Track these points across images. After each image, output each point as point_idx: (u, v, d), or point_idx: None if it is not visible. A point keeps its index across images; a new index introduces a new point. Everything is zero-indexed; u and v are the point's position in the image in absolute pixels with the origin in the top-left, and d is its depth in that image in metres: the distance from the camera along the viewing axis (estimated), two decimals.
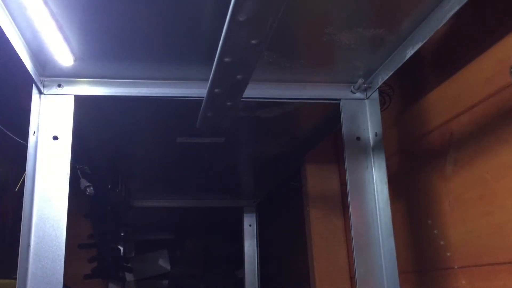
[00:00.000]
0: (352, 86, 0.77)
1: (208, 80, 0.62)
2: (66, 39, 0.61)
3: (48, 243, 0.62)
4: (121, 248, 1.71)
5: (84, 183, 1.12)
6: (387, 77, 0.71)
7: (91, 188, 1.14)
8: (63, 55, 0.65)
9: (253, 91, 0.75)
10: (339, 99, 0.78)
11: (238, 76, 0.58)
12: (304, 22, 0.61)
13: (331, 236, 1.15)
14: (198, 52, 0.66)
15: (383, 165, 0.73)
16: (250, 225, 1.66)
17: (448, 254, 0.73)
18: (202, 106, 0.68)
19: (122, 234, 1.66)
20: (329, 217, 1.16)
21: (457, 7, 0.55)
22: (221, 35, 0.51)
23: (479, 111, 0.67)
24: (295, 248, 1.38)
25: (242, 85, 0.61)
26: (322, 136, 1.02)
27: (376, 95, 0.76)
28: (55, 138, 0.66)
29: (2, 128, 0.76)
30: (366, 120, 0.77)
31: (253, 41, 0.50)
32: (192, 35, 0.62)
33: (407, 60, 0.66)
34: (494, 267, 0.64)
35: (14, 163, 0.64)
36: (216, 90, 0.62)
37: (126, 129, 0.92)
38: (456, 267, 0.72)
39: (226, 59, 0.54)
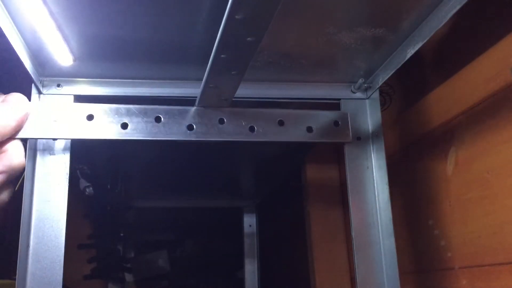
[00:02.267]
0: (352, 86, 0.77)
1: None
2: (65, 39, 0.61)
3: (48, 244, 0.62)
4: (121, 249, 1.71)
5: (83, 183, 1.12)
6: (388, 77, 0.71)
7: (91, 188, 1.14)
8: (62, 55, 0.65)
9: (253, 91, 0.75)
10: (339, 99, 0.77)
11: (233, 72, 0.59)
12: (304, 22, 0.61)
13: (331, 236, 1.15)
14: (197, 52, 0.66)
15: (384, 165, 0.72)
16: (250, 226, 1.66)
17: (449, 254, 0.73)
18: (197, 100, 0.68)
19: (122, 234, 1.66)
20: (329, 217, 1.16)
21: (457, 7, 0.55)
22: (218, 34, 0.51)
23: (480, 111, 0.67)
24: (295, 248, 1.38)
25: (236, 81, 0.62)
26: None
27: (376, 95, 0.76)
28: (55, 138, 0.66)
29: None
30: (367, 120, 0.76)
31: (249, 38, 0.51)
32: (192, 35, 0.62)
33: (407, 60, 0.66)
34: (495, 268, 0.64)
35: None
36: (211, 85, 0.62)
37: None
38: (456, 267, 0.72)
39: (222, 56, 0.54)
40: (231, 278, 1.97)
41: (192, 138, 0.69)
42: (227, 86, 0.64)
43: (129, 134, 0.67)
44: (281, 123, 0.71)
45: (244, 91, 0.74)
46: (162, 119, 0.68)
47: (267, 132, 0.71)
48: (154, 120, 0.68)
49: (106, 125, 0.66)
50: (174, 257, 2.07)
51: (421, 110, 0.81)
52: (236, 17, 0.47)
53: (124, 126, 0.67)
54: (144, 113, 0.68)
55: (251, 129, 0.70)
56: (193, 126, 0.69)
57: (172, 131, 0.68)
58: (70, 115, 0.65)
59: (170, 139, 0.68)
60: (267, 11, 0.46)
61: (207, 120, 0.70)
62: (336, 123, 0.74)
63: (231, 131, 0.70)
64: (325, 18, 0.60)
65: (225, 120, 0.70)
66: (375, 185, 0.74)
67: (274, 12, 0.47)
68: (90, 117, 0.66)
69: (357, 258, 0.71)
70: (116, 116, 0.67)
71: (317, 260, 1.14)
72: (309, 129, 0.73)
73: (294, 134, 0.72)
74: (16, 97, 0.60)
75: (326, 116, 0.74)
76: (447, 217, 0.74)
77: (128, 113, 0.67)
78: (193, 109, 0.69)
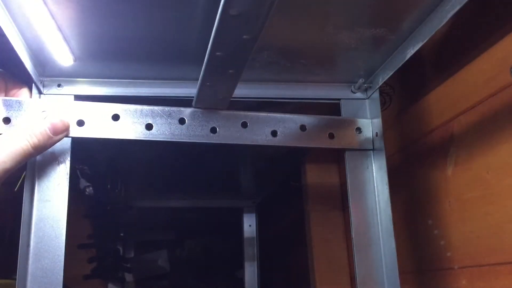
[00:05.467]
0: (352, 86, 0.77)
1: None
2: (65, 39, 0.61)
3: (48, 243, 0.62)
4: (121, 249, 1.71)
5: (83, 183, 1.12)
6: (388, 77, 0.71)
7: (91, 188, 1.14)
8: (62, 55, 0.65)
9: (253, 91, 0.75)
10: (339, 99, 0.78)
11: (230, 71, 0.58)
12: (304, 22, 0.61)
13: (331, 236, 1.15)
14: (198, 52, 0.66)
15: (384, 165, 0.72)
16: (250, 225, 1.66)
17: (448, 254, 0.73)
18: (194, 100, 0.68)
19: (122, 234, 1.66)
20: (329, 217, 1.16)
21: (457, 7, 0.55)
22: None
23: (480, 111, 0.67)
24: (295, 248, 1.38)
25: (233, 79, 0.62)
26: None
27: (376, 95, 0.76)
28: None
29: None
30: (367, 120, 0.76)
31: (245, 36, 0.50)
32: (193, 35, 0.62)
33: (407, 60, 0.66)
34: (494, 268, 0.64)
35: None
36: (208, 84, 0.62)
37: None
38: (456, 267, 0.72)
39: (218, 53, 0.54)
40: (231, 278, 1.97)
41: (215, 141, 0.69)
42: (224, 85, 0.64)
43: (154, 135, 0.67)
44: (303, 128, 0.73)
45: (244, 91, 0.75)
46: (186, 121, 0.68)
47: (288, 137, 0.72)
48: (178, 121, 0.68)
49: (131, 126, 0.67)
50: (174, 257, 2.07)
51: (421, 110, 0.81)
52: (231, 13, 0.46)
53: (149, 127, 0.68)
54: (168, 115, 0.68)
55: (273, 133, 0.72)
56: (216, 129, 0.69)
57: (196, 133, 0.69)
58: (97, 115, 0.66)
59: (194, 141, 0.69)
60: (263, 8, 0.46)
61: (231, 123, 0.70)
62: (358, 129, 0.75)
63: (252, 134, 0.71)
64: (325, 18, 0.60)
65: (248, 124, 0.71)
66: (375, 185, 0.74)
67: (270, 9, 0.46)
68: (115, 117, 0.67)
69: (357, 258, 0.71)
70: (140, 116, 0.67)
71: (317, 260, 1.14)
72: (331, 135, 0.74)
73: (317, 140, 0.73)
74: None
75: (349, 122, 0.75)
76: (447, 217, 0.74)
77: (152, 114, 0.68)
78: (216, 111, 0.70)
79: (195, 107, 0.70)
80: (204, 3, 0.55)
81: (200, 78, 0.62)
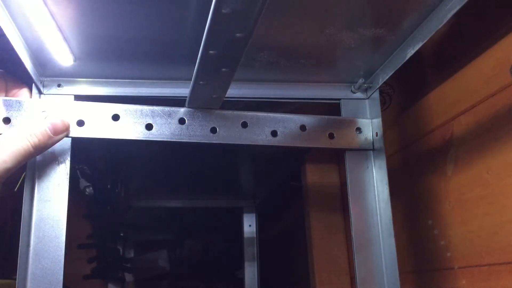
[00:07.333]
0: (352, 86, 0.77)
1: None
2: (65, 39, 0.61)
3: (48, 243, 0.62)
4: (121, 249, 1.71)
5: (83, 183, 1.12)
6: (388, 77, 0.71)
7: (91, 188, 1.14)
8: (63, 55, 0.65)
9: (253, 91, 0.75)
10: (339, 99, 0.78)
11: (223, 69, 0.58)
12: (304, 22, 0.61)
13: (331, 236, 1.15)
14: (198, 51, 0.66)
15: (384, 165, 0.73)
16: (250, 225, 1.66)
17: (449, 254, 0.73)
18: (187, 98, 0.68)
19: (122, 234, 1.66)
20: (329, 217, 1.16)
21: (457, 7, 0.55)
22: None
23: (480, 111, 0.67)
24: (295, 248, 1.38)
25: (227, 78, 0.61)
26: None
27: (376, 95, 0.76)
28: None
29: None
30: (367, 120, 0.76)
31: (238, 34, 0.50)
32: (192, 34, 0.62)
33: (407, 60, 0.66)
34: (494, 268, 0.64)
35: None
36: (201, 83, 0.62)
37: None
38: (456, 267, 0.72)
39: (211, 52, 0.54)
40: (231, 278, 1.97)
41: (215, 141, 0.69)
42: (218, 84, 0.63)
43: (154, 136, 0.67)
44: (303, 128, 0.73)
45: (245, 91, 0.75)
46: (186, 121, 0.69)
47: (288, 137, 0.72)
48: (178, 122, 0.68)
49: (131, 126, 0.67)
50: (174, 257, 2.06)
51: (421, 110, 0.81)
52: (223, 11, 0.46)
53: (149, 127, 0.68)
54: (168, 115, 0.68)
55: (273, 133, 0.72)
56: (216, 129, 0.69)
57: (196, 133, 0.69)
58: (97, 115, 0.66)
59: (194, 141, 0.69)
60: (255, 6, 0.45)
61: (231, 123, 0.70)
62: (358, 129, 0.75)
63: (252, 134, 0.71)
64: (325, 18, 0.60)
65: (248, 124, 0.71)
66: (375, 185, 0.74)
67: (263, 8, 0.46)
68: (115, 117, 0.67)
69: (357, 258, 0.71)
70: (140, 116, 0.68)
71: (317, 260, 1.14)
72: (331, 135, 0.74)
73: (317, 140, 0.73)
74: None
75: (349, 122, 0.75)
76: (447, 217, 0.74)
77: (152, 114, 0.68)
78: (216, 111, 0.70)
79: (188, 107, 0.69)
80: (201, 1, 0.55)
81: (193, 77, 0.61)
